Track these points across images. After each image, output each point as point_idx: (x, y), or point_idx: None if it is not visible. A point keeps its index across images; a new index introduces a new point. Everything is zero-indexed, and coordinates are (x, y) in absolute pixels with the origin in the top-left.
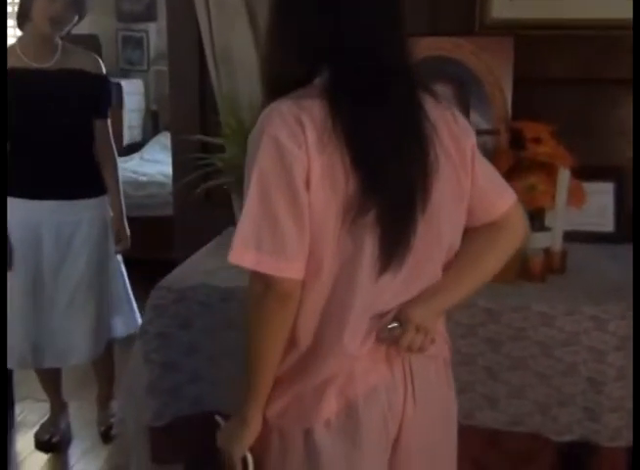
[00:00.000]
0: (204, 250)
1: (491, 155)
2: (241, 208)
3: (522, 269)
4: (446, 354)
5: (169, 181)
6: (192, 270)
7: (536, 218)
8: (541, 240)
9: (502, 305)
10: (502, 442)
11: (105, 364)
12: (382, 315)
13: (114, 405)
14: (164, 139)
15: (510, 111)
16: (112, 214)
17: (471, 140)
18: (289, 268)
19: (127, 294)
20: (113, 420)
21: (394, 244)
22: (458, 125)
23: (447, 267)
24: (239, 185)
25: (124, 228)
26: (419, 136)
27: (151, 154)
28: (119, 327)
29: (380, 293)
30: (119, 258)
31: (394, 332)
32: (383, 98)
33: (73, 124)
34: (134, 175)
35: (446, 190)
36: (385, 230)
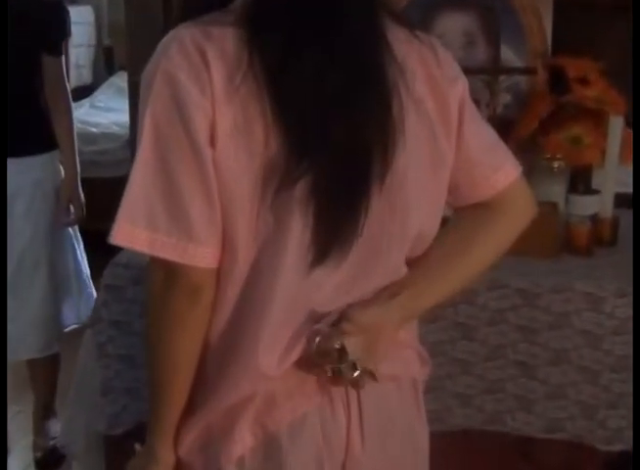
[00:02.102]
0: None
1: (526, 99)
2: None
3: (563, 241)
4: (417, 374)
5: (126, 133)
6: None
7: (581, 179)
8: (587, 205)
9: (539, 286)
10: (536, 452)
11: (45, 366)
12: (315, 320)
13: (55, 424)
14: (120, 81)
15: (549, 44)
16: (63, 176)
17: (458, 89)
18: (197, 254)
19: (81, 274)
20: (52, 443)
21: (334, 226)
22: (441, 68)
23: (417, 261)
24: None
25: (78, 193)
26: (377, 80)
27: (103, 100)
28: (70, 315)
29: (313, 290)
30: (72, 230)
31: (321, 355)
32: (325, 24)
33: (16, 61)
34: (83, 126)
35: (417, 156)
36: (320, 207)
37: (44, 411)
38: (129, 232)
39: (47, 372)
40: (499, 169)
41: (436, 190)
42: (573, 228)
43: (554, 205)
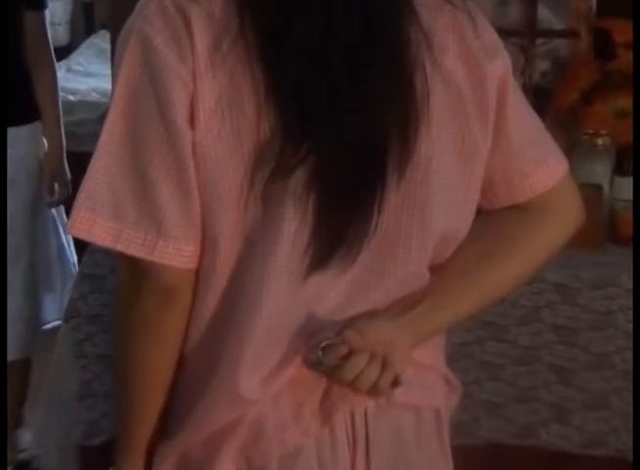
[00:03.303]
0: None
1: (566, 66)
2: None
3: (607, 229)
4: (441, 404)
5: (108, 101)
6: None
7: (628, 158)
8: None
9: (578, 280)
10: (573, 467)
11: (18, 370)
12: (312, 336)
13: (24, 434)
14: (101, 42)
15: (594, 4)
16: (46, 149)
17: (499, 65)
18: (169, 251)
19: (66, 262)
20: (22, 456)
21: (338, 224)
22: (479, 39)
23: (441, 268)
24: None
25: (64, 169)
26: (395, 49)
27: (82, 63)
28: (51, 310)
29: (310, 301)
30: (56, 211)
31: (333, 353)
32: None
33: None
34: (59, 93)
35: (443, 143)
36: (321, 202)
37: (14, 420)
38: (89, 222)
39: (20, 376)
40: (541, 166)
41: (466, 185)
42: (619, 214)
43: (597, 187)
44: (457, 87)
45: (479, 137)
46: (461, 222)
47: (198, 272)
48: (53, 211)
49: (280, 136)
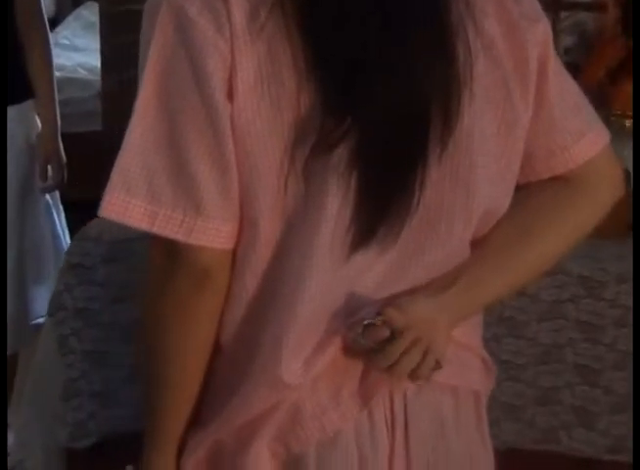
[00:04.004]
0: None
1: (592, 41)
2: None
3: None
4: (479, 386)
5: (96, 79)
6: None
7: None
8: None
9: (604, 272)
10: None
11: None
12: (351, 314)
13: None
14: (89, 14)
15: None
16: (39, 130)
17: (540, 32)
18: (207, 231)
19: (61, 252)
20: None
21: (381, 201)
22: (519, 4)
23: (477, 245)
24: None
25: (59, 151)
26: (438, 17)
27: (68, 36)
28: (43, 304)
29: (352, 280)
30: (49, 197)
31: (373, 335)
32: None
33: None
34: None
35: (487, 118)
36: (365, 177)
37: None
38: (124, 203)
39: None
40: (582, 137)
41: (508, 158)
42: None
43: (625, 173)
44: (498, 55)
45: (520, 107)
46: (502, 197)
47: (235, 253)
48: (47, 196)
49: (321, 110)
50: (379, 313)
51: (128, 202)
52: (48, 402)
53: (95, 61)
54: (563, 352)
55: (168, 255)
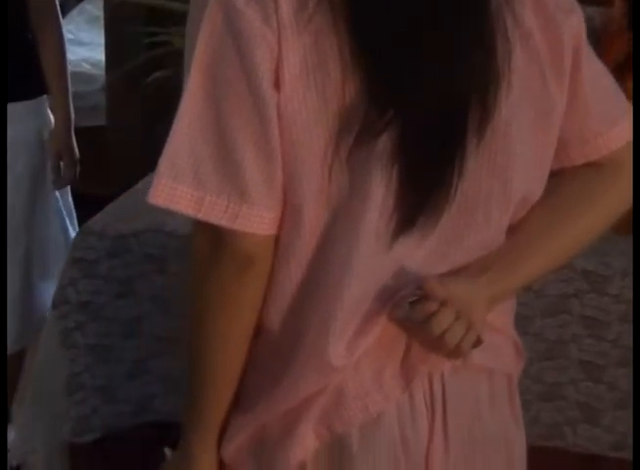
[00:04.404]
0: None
1: (598, 36)
2: None
3: None
4: (512, 369)
5: (101, 73)
6: (136, 207)
7: None
8: None
9: (609, 267)
10: None
11: (10, 363)
12: (394, 296)
13: (9, 432)
14: (93, 8)
15: None
16: (52, 126)
17: (574, 22)
18: (251, 217)
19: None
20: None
21: (423, 188)
22: None
23: (514, 228)
24: None
25: (72, 146)
26: (479, 7)
27: (72, 31)
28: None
29: (394, 265)
30: (59, 194)
31: (422, 308)
32: None
33: None
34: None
35: (523, 105)
36: (407, 165)
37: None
38: (172, 190)
39: (11, 370)
40: (616, 124)
41: (543, 146)
42: None
43: None
44: (535, 46)
45: (555, 97)
46: (538, 184)
47: (278, 240)
48: (57, 192)
49: (366, 99)
50: (419, 288)
51: (175, 188)
52: (51, 397)
53: (99, 55)
54: (567, 348)
55: (212, 241)
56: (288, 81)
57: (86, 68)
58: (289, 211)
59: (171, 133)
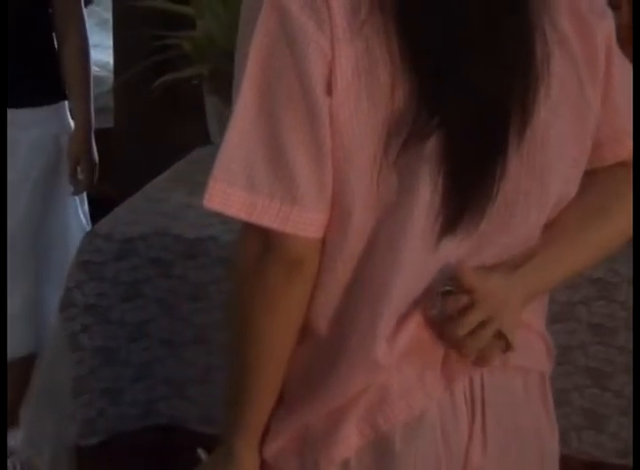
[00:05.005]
0: (160, 179)
1: None
2: (219, 117)
3: None
4: (545, 367)
5: (109, 75)
6: (142, 210)
7: None
8: None
9: (617, 274)
10: None
11: (21, 367)
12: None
13: (15, 435)
14: (102, 10)
15: None
16: (72, 131)
17: (606, 26)
18: (301, 221)
19: None
20: (11, 460)
21: (467, 189)
22: (587, 1)
23: (547, 226)
24: (216, 80)
25: (91, 151)
26: (520, 13)
27: None
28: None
29: (438, 265)
30: (78, 198)
31: (452, 302)
32: None
33: None
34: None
35: (561, 108)
36: (453, 167)
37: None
38: (225, 195)
39: (21, 374)
40: None
41: (581, 147)
42: None
43: None
44: (571, 50)
45: (591, 99)
46: (573, 185)
47: (324, 242)
48: (76, 199)
49: (415, 104)
50: (452, 278)
51: (229, 192)
52: (57, 399)
53: (107, 57)
54: (574, 355)
55: (261, 244)
56: (340, 87)
57: (95, 70)
58: (337, 213)
59: (225, 137)
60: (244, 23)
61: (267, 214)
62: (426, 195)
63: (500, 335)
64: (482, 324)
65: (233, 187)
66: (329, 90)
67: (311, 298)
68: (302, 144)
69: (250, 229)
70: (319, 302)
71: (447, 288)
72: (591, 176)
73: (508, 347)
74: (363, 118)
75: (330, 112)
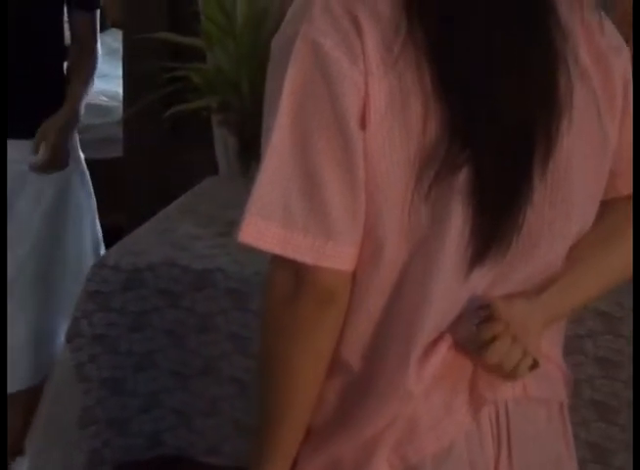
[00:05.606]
0: (168, 210)
1: None
2: (227, 149)
3: None
4: (563, 397)
5: (119, 105)
6: (151, 240)
7: None
8: None
9: (622, 308)
10: None
11: (28, 397)
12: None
13: (21, 465)
14: (112, 41)
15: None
16: (81, 160)
17: (623, 60)
18: (334, 255)
19: None
20: None
21: (496, 220)
22: (605, 36)
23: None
24: (224, 112)
25: (59, 137)
26: (544, 48)
27: None
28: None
29: (467, 295)
30: (90, 227)
31: (488, 329)
32: None
33: (31, 16)
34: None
35: (582, 140)
36: (483, 198)
37: (10, 448)
38: (260, 229)
39: (27, 404)
40: None
41: (598, 179)
42: None
43: None
44: (591, 84)
45: (609, 132)
46: (591, 215)
47: (355, 274)
48: (97, 224)
49: (447, 136)
50: (482, 308)
51: (264, 227)
52: (64, 430)
53: (116, 87)
54: (580, 389)
55: (293, 277)
56: (373, 120)
57: (103, 100)
58: (369, 246)
59: (260, 171)
60: (275, 61)
61: (302, 249)
62: (457, 226)
63: (526, 353)
64: (512, 345)
65: (268, 222)
66: (363, 124)
67: (341, 331)
68: (337, 178)
69: (281, 262)
70: (349, 333)
71: (480, 319)
72: (607, 206)
73: (535, 364)
74: (396, 152)
75: (363, 145)
